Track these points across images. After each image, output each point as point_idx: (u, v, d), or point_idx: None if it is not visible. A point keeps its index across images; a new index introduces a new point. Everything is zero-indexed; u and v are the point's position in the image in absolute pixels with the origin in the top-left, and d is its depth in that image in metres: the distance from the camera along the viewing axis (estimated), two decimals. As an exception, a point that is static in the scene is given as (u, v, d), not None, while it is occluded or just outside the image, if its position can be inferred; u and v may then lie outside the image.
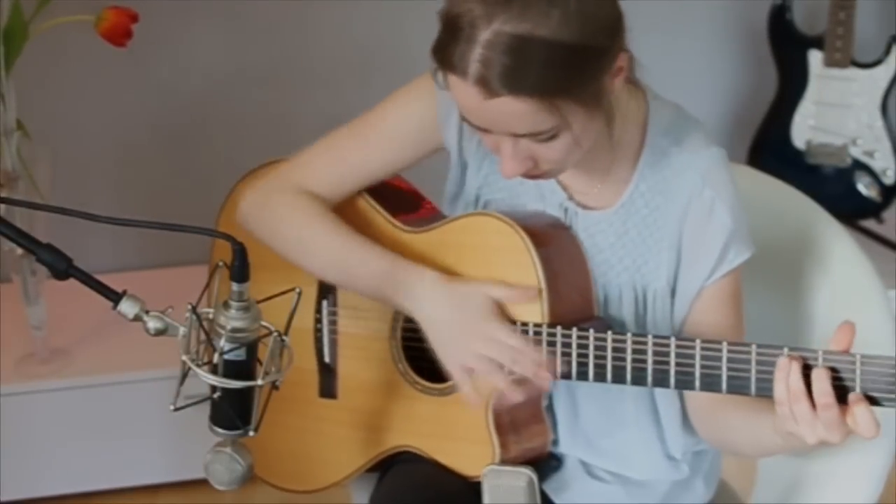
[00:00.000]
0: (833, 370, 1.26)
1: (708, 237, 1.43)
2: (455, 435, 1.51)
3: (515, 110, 1.30)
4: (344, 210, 1.57)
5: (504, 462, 1.48)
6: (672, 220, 1.45)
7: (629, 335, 1.38)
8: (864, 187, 2.71)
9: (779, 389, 1.28)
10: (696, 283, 1.45)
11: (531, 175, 1.39)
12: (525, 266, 1.43)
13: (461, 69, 1.29)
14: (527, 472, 1.48)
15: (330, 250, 1.52)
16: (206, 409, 1.24)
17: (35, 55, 2.21)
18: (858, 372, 1.26)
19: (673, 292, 1.47)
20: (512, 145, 1.35)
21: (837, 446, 1.28)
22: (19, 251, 2.22)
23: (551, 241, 1.47)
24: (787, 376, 1.27)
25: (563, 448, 1.56)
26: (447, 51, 1.30)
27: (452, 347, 1.44)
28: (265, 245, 1.54)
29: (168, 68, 2.64)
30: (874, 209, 2.71)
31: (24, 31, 2.14)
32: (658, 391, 1.51)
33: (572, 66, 1.29)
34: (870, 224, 2.74)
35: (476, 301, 1.43)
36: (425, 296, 1.45)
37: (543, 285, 1.43)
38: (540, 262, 1.43)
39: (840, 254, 1.64)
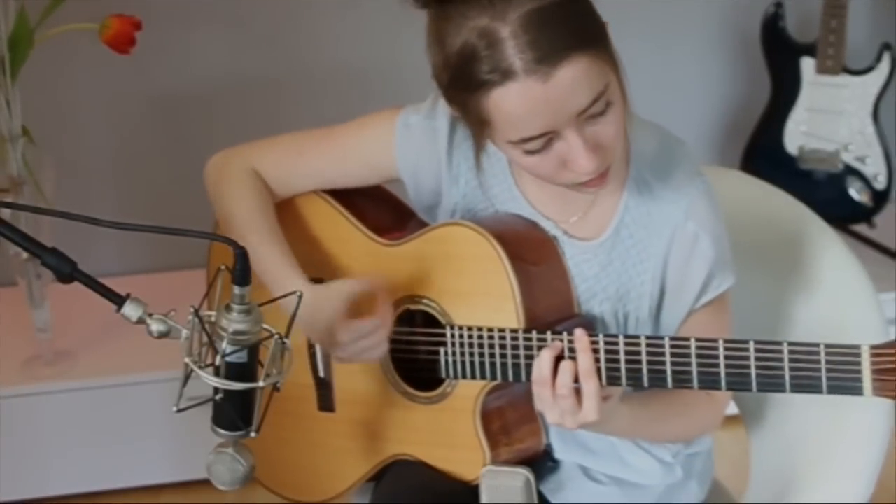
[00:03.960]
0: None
1: (691, 269, 1.45)
2: (447, 441, 1.52)
3: (574, 76, 1.28)
4: (325, 224, 1.60)
5: (496, 465, 1.49)
6: (655, 255, 1.46)
7: (601, 336, 1.38)
8: (856, 192, 2.71)
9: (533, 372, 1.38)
10: (681, 311, 1.47)
11: (597, 179, 1.37)
12: (498, 273, 1.44)
13: (504, 72, 1.28)
14: (524, 473, 1.48)
15: (240, 233, 1.56)
16: (208, 410, 1.24)
17: (40, 62, 2.22)
18: (823, 362, 1.29)
19: (657, 316, 1.49)
20: (579, 135, 1.32)
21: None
22: (25, 255, 2.23)
23: (524, 245, 1.47)
24: (538, 363, 1.37)
25: (560, 455, 1.57)
26: (478, 74, 1.29)
27: (310, 336, 1.54)
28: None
29: (170, 75, 2.66)
30: (866, 214, 2.72)
31: (30, 38, 2.15)
32: None
33: (583, 13, 1.31)
34: (861, 228, 2.75)
35: (328, 310, 1.49)
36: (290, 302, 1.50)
37: (517, 291, 1.43)
38: (512, 269, 1.44)
39: (832, 258, 1.65)
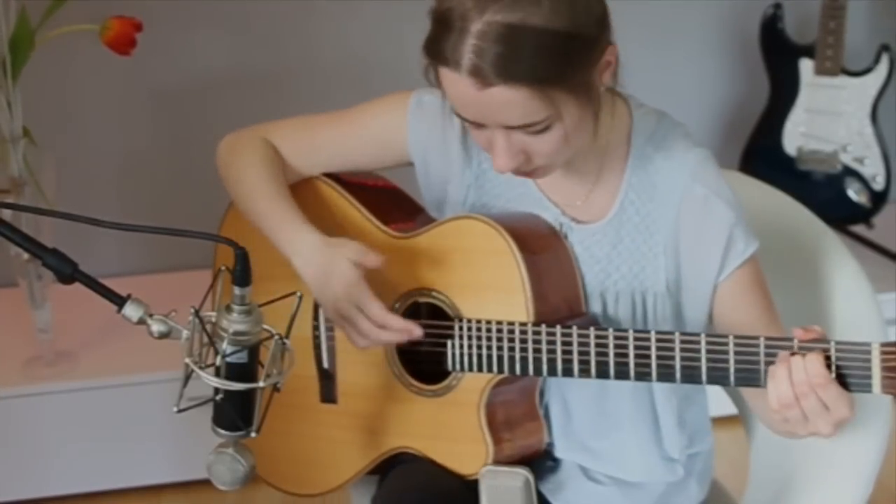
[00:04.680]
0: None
1: (709, 233, 1.44)
2: (450, 435, 1.53)
3: (509, 99, 1.31)
4: (335, 217, 1.61)
5: (499, 460, 1.50)
6: (665, 225, 1.46)
7: (611, 331, 1.40)
8: (855, 193, 2.72)
9: (772, 398, 1.32)
10: (707, 279, 1.46)
11: (522, 172, 1.41)
12: (509, 267, 1.45)
13: (454, 61, 1.31)
14: (523, 473, 1.49)
15: (250, 195, 1.57)
16: (208, 410, 1.25)
17: (41, 63, 2.24)
18: (833, 359, 1.29)
19: (677, 293, 1.48)
20: (505, 139, 1.36)
21: (830, 438, 1.34)
22: (26, 256, 2.23)
23: (536, 240, 1.48)
24: (778, 385, 1.31)
25: (560, 453, 1.57)
26: (439, 44, 1.32)
27: (322, 299, 1.51)
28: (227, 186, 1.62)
29: (171, 76, 2.67)
30: (864, 215, 2.73)
31: (31, 39, 2.16)
32: (657, 391, 1.52)
33: (563, 53, 1.31)
34: (860, 229, 2.76)
35: (341, 266, 1.48)
36: (301, 253, 1.50)
37: (527, 285, 1.44)
38: (524, 263, 1.45)
39: (831, 259, 1.66)
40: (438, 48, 1.32)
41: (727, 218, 1.43)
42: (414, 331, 1.48)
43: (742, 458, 1.77)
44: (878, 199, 2.71)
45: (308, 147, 1.61)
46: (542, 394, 1.55)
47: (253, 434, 1.25)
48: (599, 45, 1.35)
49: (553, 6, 1.29)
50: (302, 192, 1.62)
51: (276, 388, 1.25)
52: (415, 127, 1.54)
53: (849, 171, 2.71)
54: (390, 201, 1.65)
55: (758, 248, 1.46)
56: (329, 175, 1.63)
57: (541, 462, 1.58)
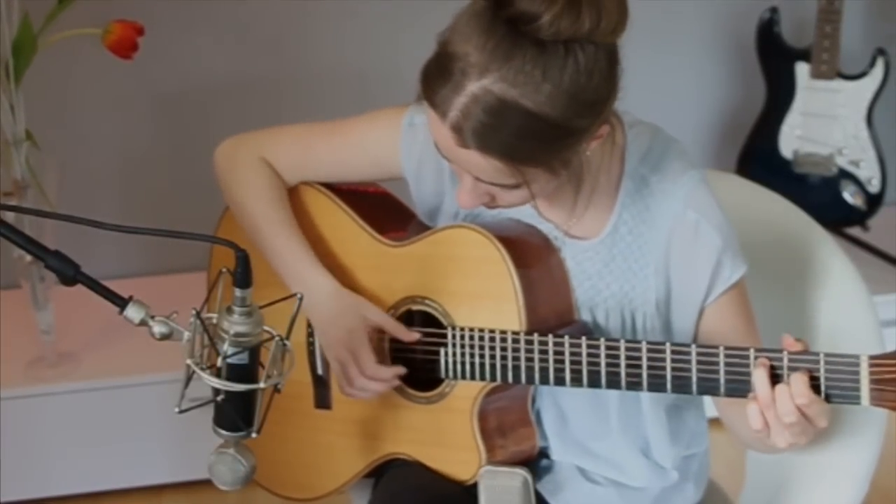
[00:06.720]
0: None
1: (698, 258, 1.44)
2: (443, 441, 1.54)
3: (480, 164, 1.33)
4: (329, 224, 1.62)
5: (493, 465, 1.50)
6: (657, 247, 1.46)
7: (602, 340, 1.40)
8: (850, 196, 2.72)
9: (752, 410, 1.33)
10: (693, 303, 1.47)
11: (487, 206, 1.43)
12: (501, 276, 1.46)
13: (441, 110, 1.31)
14: (522, 473, 1.49)
15: (258, 225, 1.59)
16: (209, 411, 1.25)
17: (44, 67, 2.24)
18: (822, 371, 1.30)
19: (667, 312, 1.49)
20: (472, 183, 1.38)
21: (806, 446, 1.36)
22: (28, 258, 2.24)
23: (527, 249, 1.49)
24: (757, 386, 1.32)
25: (557, 456, 1.58)
26: (433, 87, 1.32)
27: (324, 343, 1.57)
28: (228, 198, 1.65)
29: (173, 80, 2.67)
30: (859, 217, 2.73)
31: (33, 43, 2.17)
32: (645, 406, 1.53)
33: (546, 140, 1.32)
34: (855, 231, 2.76)
35: (352, 320, 1.53)
36: (314, 298, 1.54)
37: (520, 293, 1.45)
38: (516, 272, 1.46)
39: (827, 261, 1.66)
40: (431, 92, 1.33)
41: (716, 244, 1.44)
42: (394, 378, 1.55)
43: (739, 459, 1.77)
44: (874, 201, 2.71)
45: (302, 163, 1.62)
46: (533, 400, 1.56)
47: (254, 434, 1.25)
48: (589, 132, 1.35)
49: (553, 94, 1.29)
50: (296, 199, 1.63)
51: (276, 389, 1.25)
52: (407, 147, 1.55)
53: (844, 174, 2.71)
54: (383, 208, 1.66)
55: (745, 273, 1.47)
56: (322, 182, 1.64)
57: (538, 462, 1.58)
